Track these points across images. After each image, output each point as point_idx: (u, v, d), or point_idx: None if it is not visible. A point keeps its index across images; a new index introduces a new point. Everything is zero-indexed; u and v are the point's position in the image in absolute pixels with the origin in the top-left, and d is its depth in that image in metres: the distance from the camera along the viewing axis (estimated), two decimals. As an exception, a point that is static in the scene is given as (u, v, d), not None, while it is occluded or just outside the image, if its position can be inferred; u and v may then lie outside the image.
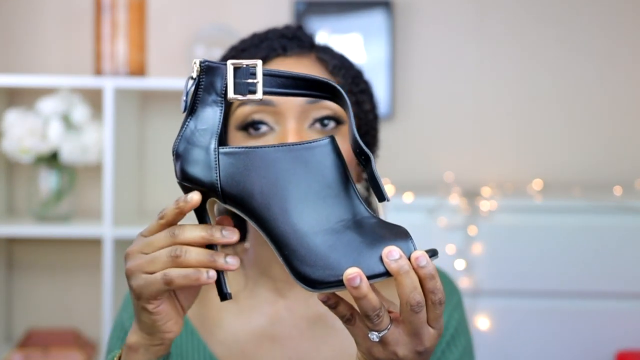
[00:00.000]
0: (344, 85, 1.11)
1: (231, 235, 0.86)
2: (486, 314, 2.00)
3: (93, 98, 2.41)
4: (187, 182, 0.85)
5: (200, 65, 0.85)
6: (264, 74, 0.86)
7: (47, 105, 2.27)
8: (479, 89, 2.50)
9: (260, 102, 1.06)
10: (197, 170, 0.85)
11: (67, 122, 2.28)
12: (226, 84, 0.85)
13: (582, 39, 2.48)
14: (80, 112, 2.28)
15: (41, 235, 2.29)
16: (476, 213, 2.04)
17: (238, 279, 1.16)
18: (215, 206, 0.93)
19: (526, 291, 2.02)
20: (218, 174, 0.84)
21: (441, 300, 0.82)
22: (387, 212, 2.03)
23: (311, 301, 1.13)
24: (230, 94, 0.85)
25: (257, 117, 1.06)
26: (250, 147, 0.84)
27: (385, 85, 2.44)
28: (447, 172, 2.46)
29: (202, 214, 0.88)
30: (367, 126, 1.16)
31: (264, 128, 1.06)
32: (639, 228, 2.02)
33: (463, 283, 2.01)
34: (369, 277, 0.80)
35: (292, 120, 1.05)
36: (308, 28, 1.22)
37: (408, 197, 2.05)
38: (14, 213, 2.51)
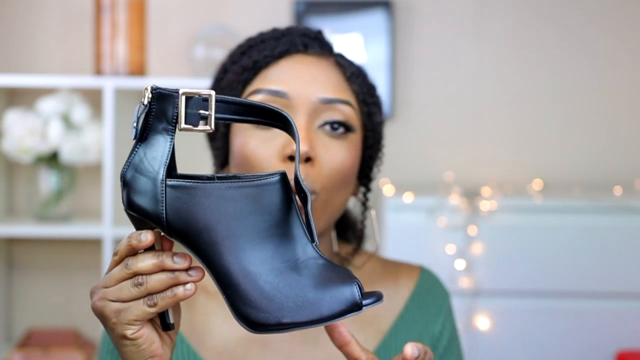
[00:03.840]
0: (359, 94, 1.10)
1: (182, 261, 0.83)
2: (486, 314, 2.00)
3: (93, 98, 2.41)
4: (133, 211, 0.83)
5: (151, 92, 0.82)
6: (216, 101, 0.83)
7: (47, 105, 2.27)
8: (479, 89, 2.49)
9: (275, 93, 1.05)
10: (143, 201, 0.82)
11: (67, 122, 2.28)
12: (177, 113, 0.83)
13: (582, 39, 2.48)
14: (80, 112, 2.28)
15: (41, 235, 2.29)
16: (476, 213, 2.04)
17: None
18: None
19: (526, 291, 2.02)
20: (164, 207, 0.82)
21: None
22: (388, 212, 2.03)
23: None
24: (182, 124, 0.82)
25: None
26: (198, 182, 0.82)
27: (385, 85, 2.43)
28: (447, 172, 2.46)
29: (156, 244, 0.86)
30: (374, 139, 1.14)
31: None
32: (639, 228, 2.02)
33: (463, 283, 2.01)
34: (319, 321, 0.80)
35: (303, 117, 1.05)
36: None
37: (408, 197, 2.05)
38: (14, 213, 2.51)
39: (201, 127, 0.83)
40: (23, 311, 2.53)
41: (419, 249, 2.01)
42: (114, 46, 2.22)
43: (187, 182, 0.82)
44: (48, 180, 2.34)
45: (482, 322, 2.00)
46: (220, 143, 1.13)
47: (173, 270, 0.83)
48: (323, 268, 0.81)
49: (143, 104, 0.83)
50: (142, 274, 0.83)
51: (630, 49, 2.48)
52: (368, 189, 1.17)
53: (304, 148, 1.01)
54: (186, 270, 0.83)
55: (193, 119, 0.83)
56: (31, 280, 2.53)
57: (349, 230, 1.25)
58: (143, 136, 0.83)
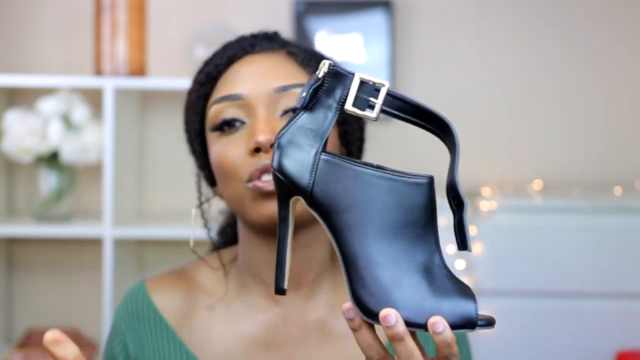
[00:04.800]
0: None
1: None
2: (486, 314, 2.00)
3: (93, 98, 2.41)
4: (282, 175, 0.84)
5: (328, 68, 0.85)
6: (387, 93, 0.85)
7: (47, 105, 2.27)
8: (478, 89, 2.49)
9: (230, 97, 1.06)
10: (294, 168, 0.84)
11: (67, 122, 2.28)
12: (347, 94, 0.85)
13: (582, 39, 2.48)
14: (80, 112, 2.28)
15: (41, 235, 2.29)
16: (476, 213, 2.04)
17: (229, 285, 1.13)
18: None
19: (526, 291, 2.02)
20: (313, 179, 0.84)
21: None
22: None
23: (307, 307, 1.11)
24: (349, 105, 0.84)
25: (228, 115, 1.06)
26: (352, 163, 0.83)
27: (385, 85, 2.43)
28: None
29: (283, 211, 0.87)
30: (347, 114, 1.15)
31: (237, 124, 1.06)
32: (639, 228, 2.02)
33: (463, 283, 2.01)
34: (417, 325, 0.80)
35: (262, 109, 1.05)
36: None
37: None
38: (14, 213, 2.51)
39: (367, 112, 0.85)
40: (23, 311, 2.53)
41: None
42: (114, 46, 2.22)
43: (341, 159, 0.84)
44: (48, 180, 2.34)
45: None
46: (201, 162, 1.15)
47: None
48: (447, 279, 0.82)
49: (317, 77, 0.85)
50: None
51: (630, 49, 2.48)
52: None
53: (264, 138, 1.02)
54: None
55: (361, 104, 0.84)
56: (31, 280, 2.53)
57: None
58: (309, 106, 0.85)
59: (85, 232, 2.25)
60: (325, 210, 0.83)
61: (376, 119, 0.85)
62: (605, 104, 2.48)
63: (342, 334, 1.10)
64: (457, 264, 2.01)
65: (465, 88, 2.49)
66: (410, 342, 0.80)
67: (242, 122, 1.06)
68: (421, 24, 2.49)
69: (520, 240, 2.02)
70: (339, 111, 0.85)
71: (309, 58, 1.11)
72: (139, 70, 2.24)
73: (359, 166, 0.84)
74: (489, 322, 0.83)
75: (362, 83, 0.85)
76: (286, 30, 2.46)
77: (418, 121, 0.88)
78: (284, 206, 0.87)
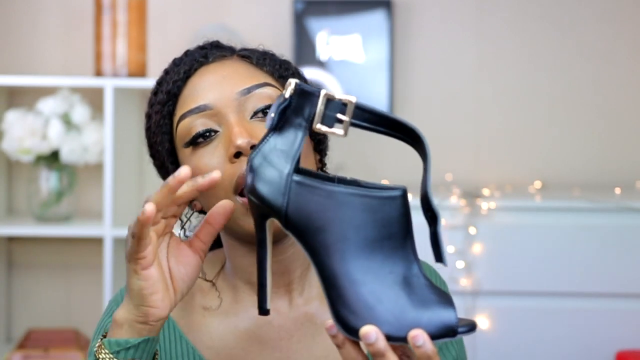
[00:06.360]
0: (274, 72, 1.10)
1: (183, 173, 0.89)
2: (486, 314, 2.00)
3: (93, 98, 2.41)
4: (255, 197, 0.85)
5: (295, 87, 0.85)
6: (355, 107, 0.85)
7: (47, 105, 2.27)
8: (478, 89, 2.50)
9: (196, 110, 1.06)
10: (267, 190, 0.85)
11: (67, 122, 2.28)
12: (314, 112, 0.85)
13: (582, 39, 2.48)
14: (80, 112, 2.28)
15: (41, 235, 2.29)
16: (476, 213, 2.04)
17: (221, 288, 1.14)
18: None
19: (526, 291, 2.02)
20: (287, 201, 0.84)
21: None
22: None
23: (297, 301, 1.12)
24: (317, 123, 0.85)
25: (199, 127, 1.06)
26: (323, 183, 0.84)
27: (384, 85, 2.44)
28: (447, 173, 2.46)
29: (260, 233, 0.88)
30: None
31: (211, 134, 1.06)
32: (639, 228, 2.02)
33: (463, 283, 2.01)
34: (398, 339, 0.81)
35: (232, 115, 1.05)
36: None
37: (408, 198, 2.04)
38: (14, 213, 2.51)
39: (335, 129, 0.85)
40: (23, 311, 2.53)
41: (419, 249, 2.01)
42: (114, 46, 2.22)
43: (312, 180, 0.84)
44: (48, 180, 2.34)
45: (482, 322, 2.00)
46: None
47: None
48: (425, 288, 0.83)
49: (284, 97, 0.85)
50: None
51: (630, 49, 2.48)
52: (323, 163, 1.17)
53: (243, 141, 1.01)
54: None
55: (328, 121, 0.85)
56: (31, 280, 2.53)
57: None
58: (278, 127, 0.85)
59: (85, 232, 2.25)
60: (301, 231, 0.84)
61: (345, 135, 0.85)
62: (605, 104, 2.48)
63: None
64: (457, 264, 2.01)
65: (465, 88, 2.49)
66: (391, 357, 0.81)
67: (215, 132, 1.06)
68: (421, 24, 2.49)
69: (520, 240, 2.02)
70: (307, 129, 0.85)
71: (262, 58, 1.12)
72: (139, 70, 2.24)
73: (331, 185, 0.83)
74: (470, 328, 0.83)
75: (329, 100, 0.84)
76: (286, 30, 2.47)
77: (388, 131, 0.87)
78: (260, 229, 0.88)
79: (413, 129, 0.86)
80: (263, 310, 0.90)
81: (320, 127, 0.85)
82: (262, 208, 0.86)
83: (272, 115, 0.85)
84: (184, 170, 0.87)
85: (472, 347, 2.00)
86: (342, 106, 0.85)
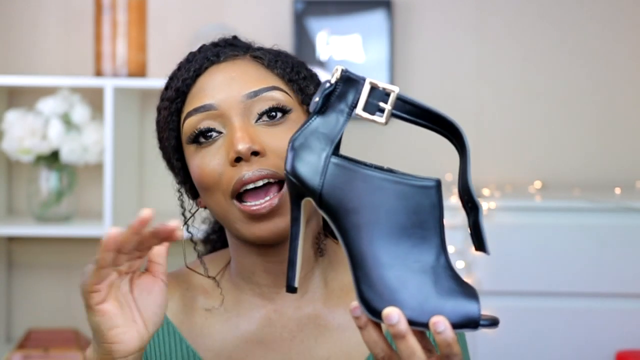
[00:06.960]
0: (284, 75, 1.10)
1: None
2: (490, 314, 2.00)
3: (93, 98, 2.41)
4: (294, 177, 0.88)
5: (341, 73, 0.88)
6: (397, 98, 0.87)
7: (47, 105, 2.27)
8: (478, 89, 2.50)
9: (202, 108, 1.06)
10: (305, 170, 0.87)
11: (67, 122, 2.28)
12: (358, 99, 0.87)
13: (582, 39, 2.48)
14: (80, 112, 2.28)
15: (41, 235, 2.29)
16: (476, 213, 2.04)
17: (224, 287, 1.14)
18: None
19: (526, 291, 2.02)
20: (322, 181, 0.86)
21: None
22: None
23: (301, 303, 1.12)
24: (359, 110, 0.87)
25: (203, 126, 1.06)
26: (360, 166, 0.86)
27: (385, 85, 2.43)
28: (447, 173, 2.46)
29: (295, 211, 0.90)
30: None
31: (214, 134, 1.06)
32: (639, 228, 2.02)
33: (463, 283, 2.01)
34: (419, 324, 0.82)
35: (237, 118, 1.05)
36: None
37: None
38: (14, 213, 2.51)
39: (376, 117, 0.88)
40: (23, 311, 2.54)
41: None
42: (114, 46, 2.22)
43: (349, 163, 0.87)
44: (48, 180, 2.34)
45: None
46: (182, 177, 1.14)
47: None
48: (451, 279, 0.85)
49: (330, 82, 0.88)
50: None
51: (630, 49, 2.48)
52: None
53: (244, 146, 1.02)
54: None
55: (371, 109, 0.87)
56: (31, 280, 2.53)
57: None
58: (322, 110, 0.88)
59: (85, 232, 2.25)
60: (334, 212, 0.86)
61: (385, 124, 0.87)
62: (605, 105, 2.48)
63: (338, 326, 1.11)
64: (457, 264, 2.01)
65: (465, 88, 2.49)
66: (411, 340, 0.82)
67: (219, 132, 1.06)
68: (421, 24, 2.49)
69: (520, 240, 2.02)
70: (350, 115, 0.88)
71: (274, 60, 1.11)
72: (139, 70, 2.24)
73: (367, 169, 0.86)
74: (493, 322, 0.85)
75: (373, 88, 0.87)
76: (286, 30, 2.47)
77: (428, 124, 0.90)
78: (295, 207, 0.89)
79: (452, 123, 0.89)
80: (290, 288, 0.91)
81: (362, 113, 0.87)
82: (298, 187, 0.88)
83: (317, 99, 0.88)
84: (146, 212, 0.86)
85: (472, 347, 2.01)
86: (385, 96, 0.87)
